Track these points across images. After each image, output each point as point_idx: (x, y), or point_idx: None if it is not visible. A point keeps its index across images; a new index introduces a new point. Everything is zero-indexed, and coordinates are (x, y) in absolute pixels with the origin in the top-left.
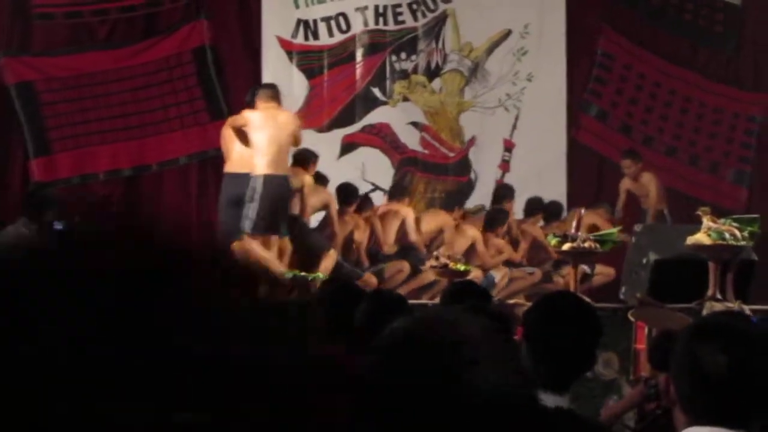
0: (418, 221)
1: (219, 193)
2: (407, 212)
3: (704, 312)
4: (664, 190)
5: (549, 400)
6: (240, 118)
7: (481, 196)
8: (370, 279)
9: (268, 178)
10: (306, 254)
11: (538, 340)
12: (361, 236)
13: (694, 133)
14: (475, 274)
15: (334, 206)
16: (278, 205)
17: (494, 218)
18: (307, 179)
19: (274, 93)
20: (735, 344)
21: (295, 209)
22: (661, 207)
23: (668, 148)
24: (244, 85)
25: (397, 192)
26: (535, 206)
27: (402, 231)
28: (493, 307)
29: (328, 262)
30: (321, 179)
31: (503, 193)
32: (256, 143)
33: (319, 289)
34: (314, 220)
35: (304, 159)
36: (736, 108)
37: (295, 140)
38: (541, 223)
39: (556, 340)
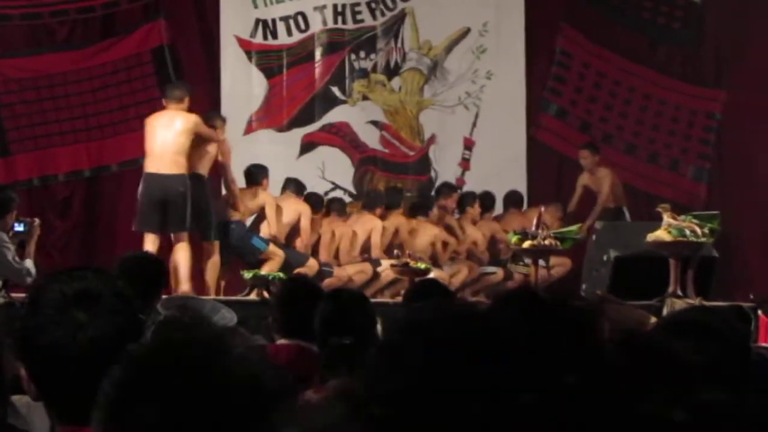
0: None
1: None
2: (376, 224)
3: (665, 309)
4: (623, 187)
5: None
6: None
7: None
8: (342, 273)
9: (147, 177)
10: (249, 257)
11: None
12: (330, 239)
13: (653, 131)
14: (437, 274)
15: (308, 216)
16: (157, 203)
17: (420, 206)
18: (267, 198)
19: (171, 93)
20: (707, 340)
21: (234, 215)
22: (620, 204)
23: (628, 146)
24: (204, 85)
25: (369, 201)
26: (489, 202)
27: (368, 243)
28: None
29: (273, 264)
30: (298, 187)
31: (441, 189)
32: (146, 143)
33: (279, 288)
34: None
35: (254, 176)
36: (695, 105)
37: (196, 138)
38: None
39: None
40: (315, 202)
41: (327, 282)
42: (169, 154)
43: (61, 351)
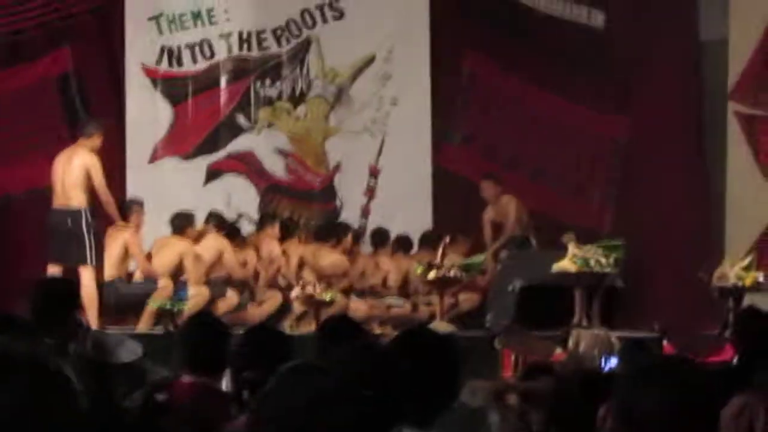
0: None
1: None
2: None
3: (570, 339)
4: (528, 215)
5: None
6: None
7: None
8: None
9: (49, 212)
10: None
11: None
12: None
13: (559, 155)
14: (341, 303)
15: (230, 251)
16: (55, 235)
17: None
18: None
19: (80, 128)
20: (672, 389)
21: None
22: (527, 233)
23: (534, 171)
24: (109, 112)
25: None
26: (383, 237)
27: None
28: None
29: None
30: (220, 221)
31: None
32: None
33: (183, 324)
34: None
35: (180, 226)
36: (601, 130)
37: (87, 175)
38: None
39: (416, 376)
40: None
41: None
42: (65, 189)
43: None
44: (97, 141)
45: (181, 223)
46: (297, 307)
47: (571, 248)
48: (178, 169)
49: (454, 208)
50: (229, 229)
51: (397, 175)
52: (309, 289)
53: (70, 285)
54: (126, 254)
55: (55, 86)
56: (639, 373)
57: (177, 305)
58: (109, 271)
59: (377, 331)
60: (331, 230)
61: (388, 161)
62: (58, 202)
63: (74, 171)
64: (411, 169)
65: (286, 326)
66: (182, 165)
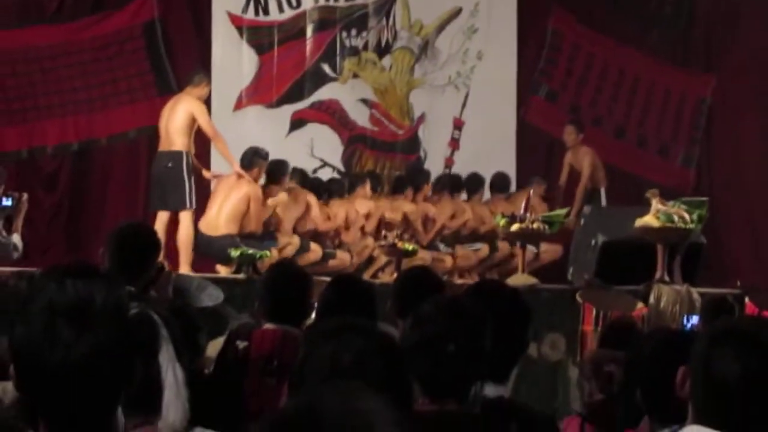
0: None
1: None
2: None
3: (652, 295)
4: (603, 170)
5: (490, 390)
6: None
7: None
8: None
9: (153, 159)
10: None
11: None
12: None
13: (643, 114)
14: (424, 255)
15: (316, 205)
16: (156, 180)
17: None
18: (281, 196)
19: (188, 77)
20: (750, 353)
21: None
22: (597, 186)
23: (617, 130)
24: (193, 60)
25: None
26: (476, 184)
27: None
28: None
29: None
30: (303, 177)
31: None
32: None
33: (266, 272)
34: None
35: (273, 174)
36: (686, 89)
37: (192, 119)
38: (487, 196)
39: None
40: (317, 188)
41: (332, 264)
42: (168, 134)
43: (49, 370)
44: (204, 89)
45: (278, 171)
46: (380, 257)
47: (655, 204)
48: (261, 118)
49: (537, 162)
50: (312, 185)
51: (480, 128)
52: (391, 238)
53: (148, 230)
54: (247, 210)
55: (140, 33)
56: (718, 335)
57: (260, 252)
58: (226, 225)
59: (458, 281)
60: (412, 177)
61: (472, 114)
62: (162, 147)
63: (178, 116)
64: (495, 122)
65: (367, 277)
66: (266, 114)
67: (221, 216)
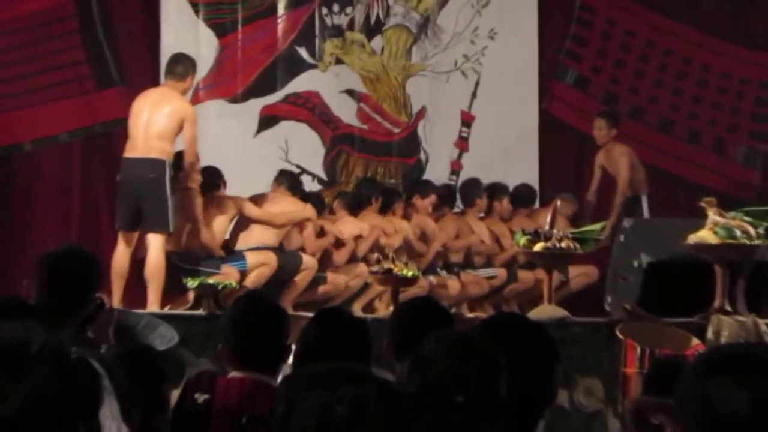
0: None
1: (107, 177)
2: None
3: (710, 328)
4: (645, 171)
5: None
6: None
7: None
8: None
9: (122, 165)
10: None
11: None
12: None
13: (694, 104)
14: (421, 283)
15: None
16: (127, 193)
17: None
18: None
19: (170, 67)
20: (756, 377)
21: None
22: (639, 192)
23: (663, 122)
24: (139, 44)
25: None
26: (470, 192)
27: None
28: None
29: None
30: (293, 183)
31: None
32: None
33: (232, 307)
34: None
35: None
36: (747, 72)
37: (180, 125)
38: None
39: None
40: (317, 204)
41: (322, 290)
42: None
43: None
44: (189, 83)
45: (211, 181)
46: (374, 286)
47: (711, 215)
48: (224, 115)
49: (565, 165)
50: (303, 193)
51: (495, 123)
52: (387, 264)
53: (85, 256)
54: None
55: (72, 12)
56: (709, 367)
57: (223, 282)
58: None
59: (468, 314)
60: (413, 189)
61: (485, 107)
62: (135, 153)
63: (165, 118)
64: (512, 117)
65: (359, 309)
66: (229, 110)
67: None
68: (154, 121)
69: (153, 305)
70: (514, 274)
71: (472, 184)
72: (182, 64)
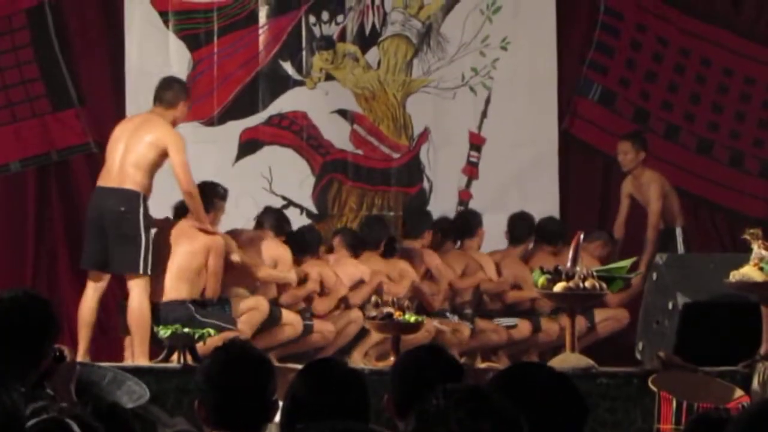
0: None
1: (65, 211)
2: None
3: (756, 378)
4: (680, 199)
5: None
6: None
7: (438, 213)
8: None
9: (91, 196)
10: None
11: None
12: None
13: (737, 121)
14: (429, 326)
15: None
16: (94, 228)
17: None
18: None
19: (159, 92)
20: None
21: None
22: (672, 224)
23: (701, 143)
24: (100, 59)
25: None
26: (467, 224)
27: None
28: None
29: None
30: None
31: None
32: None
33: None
34: None
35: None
36: None
37: (160, 154)
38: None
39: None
40: (300, 244)
41: (310, 339)
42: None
43: None
44: (180, 111)
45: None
46: (372, 333)
47: (756, 249)
48: (198, 140)
49: (589, 193)
50: (290, 235)
51: (508, 146)
52: (387, 309)
53: (40, 303)
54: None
55: (23, 23)
56: (760, 419)
57: (199, 331)
58: (176, 288)
59: (481, 364)
60: (414, 224)
61: (497, 127)
62: (108, 182)
63: (144, 146)
64: (529, 138)
65: (358, 359)
66: (204, 133)
67: (169, 275)
68: (131, 149)
69: (140, 358)
70: (538, 323)
71: (473, 215)
72: (171, 90)
